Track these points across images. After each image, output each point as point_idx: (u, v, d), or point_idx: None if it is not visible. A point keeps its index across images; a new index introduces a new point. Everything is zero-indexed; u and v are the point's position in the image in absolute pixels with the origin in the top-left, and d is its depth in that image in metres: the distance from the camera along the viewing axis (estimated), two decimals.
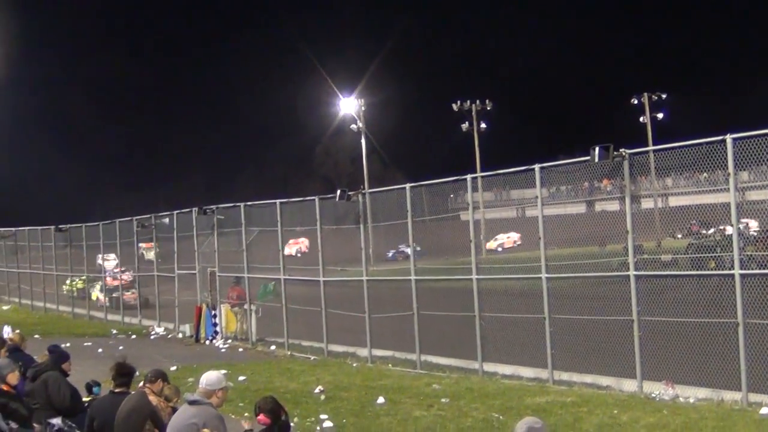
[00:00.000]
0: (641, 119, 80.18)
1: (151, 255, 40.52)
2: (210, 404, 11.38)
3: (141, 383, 12.91)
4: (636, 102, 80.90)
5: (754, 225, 22.26)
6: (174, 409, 12.41)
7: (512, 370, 22.64)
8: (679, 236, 25.76)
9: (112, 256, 45.98)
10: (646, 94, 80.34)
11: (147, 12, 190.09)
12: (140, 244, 40.83)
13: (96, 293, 42.36)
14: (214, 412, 11.37)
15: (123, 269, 44.76)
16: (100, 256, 46.76)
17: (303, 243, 44.83)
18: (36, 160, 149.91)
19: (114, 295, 45.46)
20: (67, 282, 47.42)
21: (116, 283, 45.36)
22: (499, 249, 45.24)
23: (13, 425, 10.57)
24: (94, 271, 47.52)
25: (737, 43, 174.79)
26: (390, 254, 35.15)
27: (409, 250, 35.30)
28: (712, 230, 22.90)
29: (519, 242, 41.00)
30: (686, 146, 18.73)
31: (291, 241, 44.10)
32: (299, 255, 44.84)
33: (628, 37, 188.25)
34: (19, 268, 54.89)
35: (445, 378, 22.85)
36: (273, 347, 31.32)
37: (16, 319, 41.14)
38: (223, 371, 12.44)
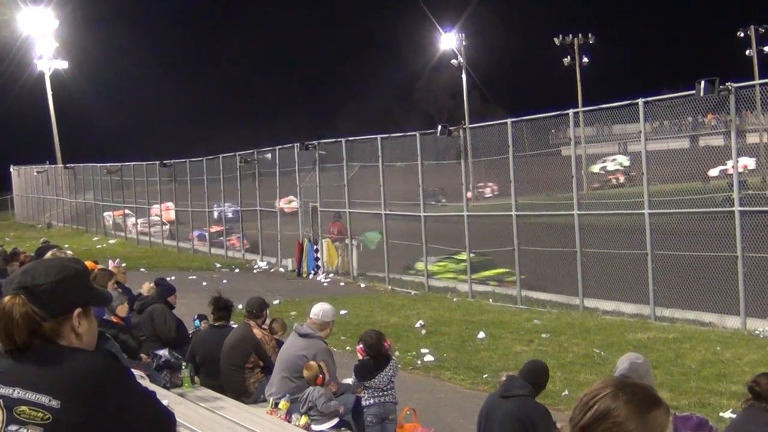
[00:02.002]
0: (747, 52, 78.31)
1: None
2: (320, 338, 11.55)
3: (246, 316, 13.14)
4: (742, 35, 78.93)
5: None
6: (279, 342, 12.62)
7: (613, 306, 22.55)
8: None
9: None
10: (752, 26, 78.36)
11: None
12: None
13: None
14: (324, 345, 11.54)
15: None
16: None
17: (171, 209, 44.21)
18: (142, 95, 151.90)
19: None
20: None
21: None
22: None
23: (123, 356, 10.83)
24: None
25: None
26: (216, 210, 34.90)
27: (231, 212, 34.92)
28: None
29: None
30: None
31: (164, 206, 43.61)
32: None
33: None
34: (125, 203, 55.82)
35: (546, 313, 22.86)
36: (374, 282, 31.52)
37: (123, 253, 42.00)
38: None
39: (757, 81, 21.11)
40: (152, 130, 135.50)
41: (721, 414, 12.44)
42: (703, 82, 19.35)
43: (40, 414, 3.25)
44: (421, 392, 15.29)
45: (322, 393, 10.31)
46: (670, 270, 21.22)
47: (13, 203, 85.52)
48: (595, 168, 26.81)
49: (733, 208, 19.38)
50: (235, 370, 12.44)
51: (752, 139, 23.57)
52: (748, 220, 19.34)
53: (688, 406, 12.88)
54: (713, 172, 23.90)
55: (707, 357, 16.53)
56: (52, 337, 3.41)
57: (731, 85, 19.35)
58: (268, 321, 13.48)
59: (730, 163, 20.09)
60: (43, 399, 3.25)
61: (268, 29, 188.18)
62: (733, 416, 10.59)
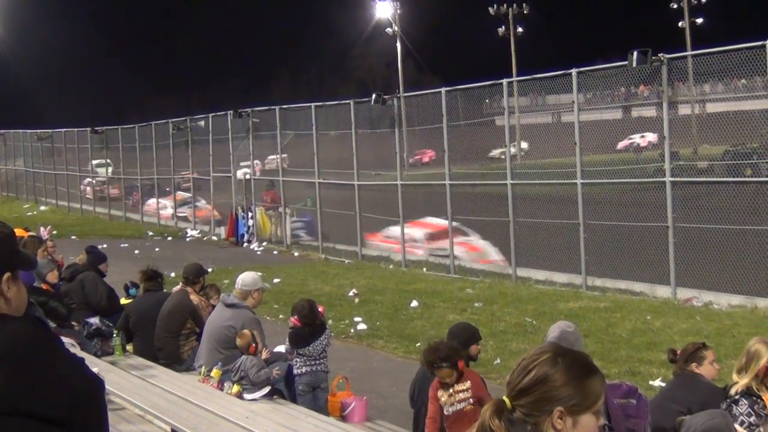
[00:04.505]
0: (680, 24, 78.82)
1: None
2: (247, 307, 11.51)
3: (182, 282, 13.14)
4: (675, 6, 79.44)
5: None
6: (214, 307, 12.58)
7: (546, 275, 22.69)
8: None
9: None
10: None
11: None
12: None
13: None
14: (251, 315, 11.50)
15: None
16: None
17: None
18: (74, 62, 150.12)
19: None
20: None
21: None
22: None
23: (52, 324, 10.71)
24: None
25: None
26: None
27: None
28: None
29: None
30: (725, 51, 18.51)
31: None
32: None
33: None
34: (55, 170, 55.15)
35: (479, 283, 22.95)
36: (307, 251, 31.45)
37: (53, 220, 41.45)
38: (259, 273, 12.53)
39: (689, 52, 21.38)
40: (84, 97, 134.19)
41: (650, 382, 12.57)
42: (635, 53, 19.50)
43: None
44: (354, 361, 15.30)
45: (255, 363, 10.25)
46: (601, 240, 21.39)
47: None
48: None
49: (664, 179, 19.56)
50: (170, 337, 12.40)
51: (684, 110, 23.76)
52: (678, 191, 19.56)
53: (618, 374, 12.99)
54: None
55: (638, 326, 16.70)
56: None
57: (664, 57, 19.52)
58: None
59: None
60: None
61: None
62: (663, 384, 10.71)
